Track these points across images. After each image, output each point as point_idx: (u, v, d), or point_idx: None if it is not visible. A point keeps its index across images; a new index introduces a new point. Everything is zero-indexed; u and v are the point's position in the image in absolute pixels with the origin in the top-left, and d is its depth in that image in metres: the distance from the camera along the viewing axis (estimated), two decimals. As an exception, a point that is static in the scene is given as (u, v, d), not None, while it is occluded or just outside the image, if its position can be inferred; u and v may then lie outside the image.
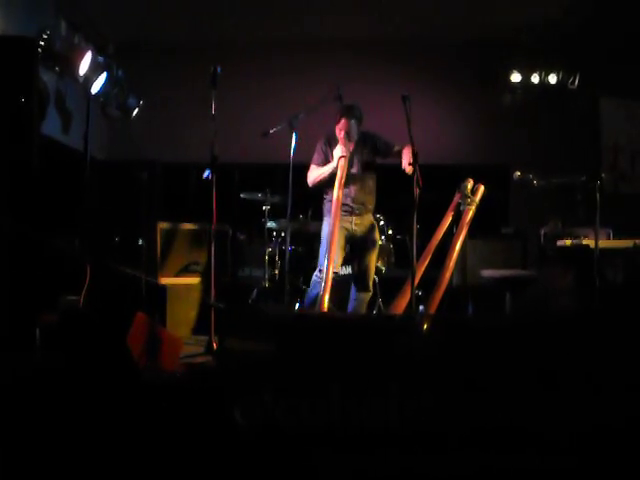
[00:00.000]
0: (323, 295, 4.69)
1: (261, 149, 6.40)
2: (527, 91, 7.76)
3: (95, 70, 5.14)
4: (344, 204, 5.17)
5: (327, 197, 5.24)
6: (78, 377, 3.49)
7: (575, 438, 2.99)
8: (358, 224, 5.19)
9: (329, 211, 5.17)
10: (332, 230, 4.87)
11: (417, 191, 4.52)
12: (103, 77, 5.26)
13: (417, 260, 4.86)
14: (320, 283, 4.90)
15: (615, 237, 5.58)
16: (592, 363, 3.24)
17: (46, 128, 6.11)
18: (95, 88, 5.23)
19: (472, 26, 7.25)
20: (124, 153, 7.55)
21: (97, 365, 3.54)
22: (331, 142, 5.16)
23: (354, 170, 5.17)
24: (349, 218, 5.19)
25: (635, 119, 7.83)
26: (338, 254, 5.11)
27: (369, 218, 5.24)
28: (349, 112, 5.07)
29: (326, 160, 5.15)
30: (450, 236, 5.08)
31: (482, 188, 5.00)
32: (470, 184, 4.99)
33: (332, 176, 5.03)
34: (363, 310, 5.22)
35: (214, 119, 4.68)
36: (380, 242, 5.45)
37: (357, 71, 7.41)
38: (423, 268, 4.86)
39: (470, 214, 4.94)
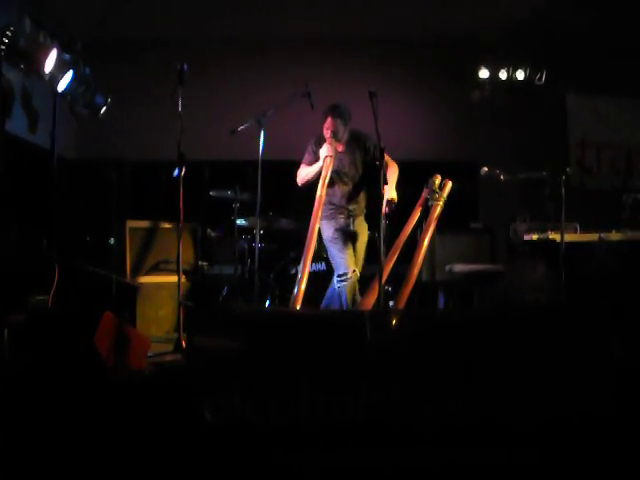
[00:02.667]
0: (298, 293, 4.72)
1: (231, 147, 6.40)
2: (495, 87, 7.83)
3: (61, 68, 5.06)
4: (339, 206, 5.23)
5: (327, 200, 5.22)
6: (46, 377, 3.47)
7: (540, 430, 3.03)
8: (352, 224, 5.24)
9: (329, 216, 5.25)
10: (312, 228, 4.89)
11: (384, 188, 4.57)
12: (69, 75, 5.18)
13: (385, 256, 4.89)
14: (344, 287, 5.02)
15: (582, 231, 5.64)
16: (559, 356, 3.27)
17: (12, 126, 6.05)
18: (61, 86, 5.15)
19: (440, 23, 7.28)
20: (93, 152, 7.50)
21: (64, 365, 3.52)
22: (320, 142, 5.15)
23: (346, 170, 5.18)
24: (347, 221, 5.24)
25: (601, 115, 7.93)
26: (347, 255, 5.12)
27: (362, 218, 5.31)
28: (334, 111, 5.07)
29: (315, 160, 5.15)
30: (418, 232, 5.11)
31: (450, 184, 5.03)
32: (438, 180, 5.02)
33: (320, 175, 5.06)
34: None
35: (181, 117, 4.67)
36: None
37: (326, 69, 7.43)
38: (391, 264, 4.88)
39: (438, 210, 4.97)
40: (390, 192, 4.95)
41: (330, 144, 5.05)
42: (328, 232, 5.28)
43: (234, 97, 7.48)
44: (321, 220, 5.16)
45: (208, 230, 6.61)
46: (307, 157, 5.26)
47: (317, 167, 5.09)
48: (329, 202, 5.24)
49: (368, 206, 5.33)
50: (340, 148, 5.16)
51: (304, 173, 5.22)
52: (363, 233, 5.31)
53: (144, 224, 5.77)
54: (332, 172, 5.07)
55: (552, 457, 2.93)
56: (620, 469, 2.88)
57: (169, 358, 4.28)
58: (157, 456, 2.96)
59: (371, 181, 5.21)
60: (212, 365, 3.31)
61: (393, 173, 5.15)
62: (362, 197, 5.29)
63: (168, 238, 5.61)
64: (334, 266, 5.19)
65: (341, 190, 5.22)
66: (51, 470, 2.90)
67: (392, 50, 7.70)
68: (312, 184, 5.13)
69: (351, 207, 5.24)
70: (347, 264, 5.10)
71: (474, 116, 7.80)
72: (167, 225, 5.69)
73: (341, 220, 5.24)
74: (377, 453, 3.00)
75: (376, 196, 4.50)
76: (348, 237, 5.22)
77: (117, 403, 3.27)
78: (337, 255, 5.19)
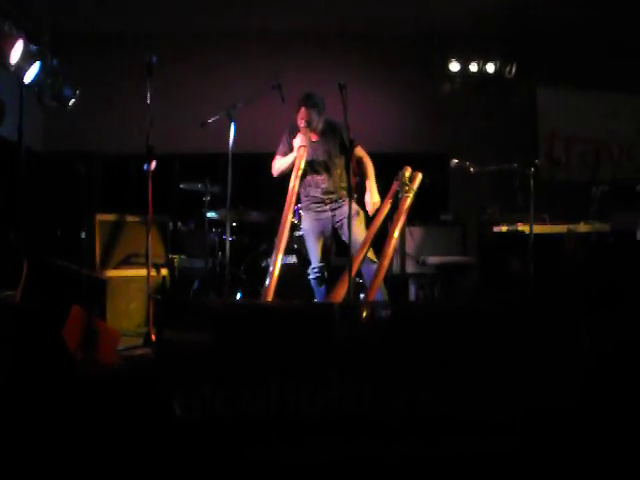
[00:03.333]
0: (269, 285, 4.72)
1: (201, 139, 6.37)
2: (465, 80, 7.86)
3: (27, 59, 5.01)
4: (314, 197, 5.22)
5: (303, 192, 5.25)
6: (13, 372, 3.43)
7: (518, 420, 3.05)
8: (336, 209, 5.17)
9: (306, 207, 5.27)
10: (284, 220, 4.89)
11: (354, 179, 4.59)
12: (36, 66, 5.13)
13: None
14: (316, 278, 5.18)
15: (551, 223, 5.69)
16: (530, 346, 3.30)
17: (-22, 119, 5.98)
18: (28, 77, 5.10)
19: (410, 16, 7.27)
20: (62, 144, 7.41)
21: (32, 360, 3.49)
22: (294, 132, 5.11)
23: (320, 159, 5.14)
24: (324, 208, 5.21)
25: (570, 108, 8.00)
26: (318, 249, 5.19)
27: (347, 203, 4.89)
28: (307, 101, 5.04)
29: (290, 150, 5.12)
30: (389, 224, 5.12)
31: (420, 176, 5.04)
32: (408, 172, 5.03)
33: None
34: (384, 295, 5.06)
35: (149, 109, 4.64)
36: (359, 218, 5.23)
37: (296, 61, 7.39)
38: (362, 256, 4.90)
39: (408, 202, 4.98)
40: (373, 196, 5.06)
41: (304, 134, 5.03)
42: (304, 224, 5.35)
43: (204, 90, 7.43)
44: (302, 212, 5.30)
45: (179, 223, 6.58)
46: (282, 148, 5.23)
47: (291, 158, 5.07)
48: (305, 193, 5.26)
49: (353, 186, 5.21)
50: (314, 138, 5.13)
51: (279, 164, 5.21)
52: (354, 216, 4.97)
53: (114, 217, 5.72)
54: (306, 162, 5.06)
55: (526, 446, 2.95)
56: (593, 458, 2.91)
57: (139, 352, 4.26)
58: (127, 451, 2.94)
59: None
60: (182, 358, 3.29)
61: (371, 172, 5.16)
62: (341, 183, 5.14)
63: (138, 231, 5.56)
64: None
65: (315, 180, 5.20)
66: (20, 465, 2.87)
67: (362, 43, 7.69)
68: (287, 175, 5.10)
69: (327, 197, 5.19)
70: (316, 259, 5.23)
71: (444, 109, 7.82)
72: (137, 218, 5.63)
73: (318, 210, 5.22)
74: (348, 445, 3.00)
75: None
76: (321, 231, 5.22)
77: (86, 397, 3.25)
78: (309, 248, 5.31)
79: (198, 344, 3.30)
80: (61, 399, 3.21)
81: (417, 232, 6.45)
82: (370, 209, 5.08)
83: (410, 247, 6.23)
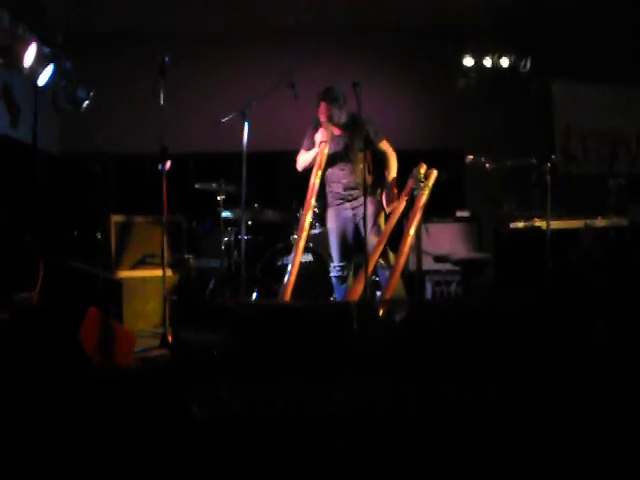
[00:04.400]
0: (287, 284, 4.72)
1: (215, 139, 6.37)
2: (480, 75, 7.81)
3: (41, 62, 5.03)
4: (336, 193, 5.21)
5: (328, 189, 5.25)
6: (30, 375, 3.45)
7: (531, 418, 3.03)
8: (356, 207, 5.11)
9: (329, 203, 5.27)
10: (304, 217, 4.93)
11: (369, 177, 4.58)
12: (50, 69, 5.15)
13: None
14: (337, 277, 5.21)
15: (568, 218, 5.64)
16: (547, 343, 3.28)
17: (-7, 122, 6.02)
18: (42, 80, 5.12)
19: (425, 11, 7.25)
20: (77, 146, 7.44)
21: (50, 362, 3.50)
22: (318, 127, 5.09)
23: (342, 154, 5.11)
24: (346, 205, 5.18)
25: (585, 102, 7.92)
26: (340, 248, 5.20)
27: (370, 198, 4.86)
28: (326, 95, 5.01)
29: (314, 145, 5.10)
30: (404, 221, 5.10)
31: (435, 173, 5.01)
32: (423, 169, 5.00)
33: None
34: (401, 293, 5.05)
35: (162, 109, 4.64)
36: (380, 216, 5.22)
37: (310, 58, 7.36)
38: (378, 254, 4.88)
39: (423, 199, 4.96)
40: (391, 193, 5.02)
41: (325, 129, 5.01)
42: (328, 221, 5.34)
43: (218, 89, 7.42)
44: (327, 207, 5.31)
45: (194, 223, 6.58)
46: (306, 142, 5.22)
47: (314, 152, 5.06)
48: (329, 189, 5.26)
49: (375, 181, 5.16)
50: (337, 132, 5.11)
51: (302, 159, 5.21)
52: (375, 214, 5.07)
53: (129, 218, 5.73)
54: (328, 156, 5.04)
55: (542, 445, 2.93)
56: (606, 458, 2.89)
57: (156, 353, 4.27)
58: (145, 451, 2.94)
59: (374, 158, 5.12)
60: (198, 359, 3.30)
61: (393, 167, 5.11)
62: (361, 180, 4.90)
63: (153, 232, 5.56)
64: None
65: (337, 175, 5.17)
66: (38, 466, 2.88)
67: (376, 38, 7.65)
68: (309, 171, 5.09)
69: (349, 192, 5.16)
70: (338, 257, 5.24)
71: (459, 104, 7.76)
72: (152, 219, 5.64)
73: (339, 207, 5.21)
74: (365, 444, 2.99)
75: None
76: (343, 229, 5.21)
77: (103, 399, 3.25)
78: (331, 246, 5.31)
79: (215, 344, 3.30)
80: (78, 400, 3.22)
81: (433, 229, 6.42)
82: (386, 206, 5.06)
83: (427, 244, 6.20)
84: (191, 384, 3.12)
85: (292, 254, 4.85)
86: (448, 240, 6.53)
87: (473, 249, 6.49)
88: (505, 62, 7.76)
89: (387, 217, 5.07)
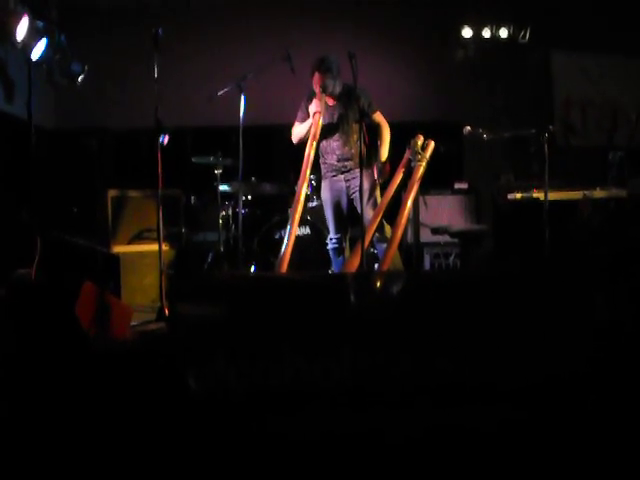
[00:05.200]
0: (283, 256, 4.71)
1: (212, 112, 6.31)
2: (478, 46, 7.74)
3: (34, 36, 4.98)
4: (330, 164, 5.18)
5: (322, 160, 5.23)
6: (28, 349, 3.46)
7: (525, 391, 3.03)
8: (350, 180, 5.10)
9: (324, 175, 5.25)
10: (300, 189, 4.89)
11: (364, 148, 4.55)
12: (43, 43, 5.09)
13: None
14: (334, 249, 5.21)
15: (566, 189, 5.61)
16: (541, 315, 3.27)
17: (-13, 97, 5.97)
18: (35, 54, 5.07)
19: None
20: (74, 121, 7.40)
21: (47, 336, 3.51)
22: (312, 98, 5.06)
23: (337, 124, 5.07)
24: (339, 177, 5.16)
25: (585, 72, 7.86)
26: (335, 220, 5.19)
27: (364, 171, 4.81)
28: (320, 65, 4.96)
29: (308, 116, 5.08)
30: (402, 193, 5.09)
31: (432, 144, 4.99)
32: (420, 141, 4.98)
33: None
34: (398, 265, 5.03)
35: (157, 82, 4.61)
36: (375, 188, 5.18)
37: (306, 31, 7.29)
38: (375, 226, 4.87)
39: (421, 170, 4.94)
40: (381, 157, 5.02)
41: (319, 100, 4.97)
42: (322, 193, 5.33)
43: (214, 63, 7.34)
44: (322, 179, 5.29)
45: (192, 197, 6.57)
46: (300, 114, 5.20)
47: (308, 124, 5.04)
48: (323, 161, 5.24)
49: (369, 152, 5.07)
50: (331, 102, 5.08)
51: (297, 131, 5.19)
52: (370, 187, 5.03)
53: (125, 193, 5.72)
54: (322, 126, 5.00)
55: (540, 414, 2.93)
56: (605, 425, 2.89)
57: (152, 327, 4.27)
58: (142, 425, 2.95)
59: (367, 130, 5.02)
60: (195, 332, 3.30)
61: (386, 138, 5.08)
62: (355, 151, 4.96)
63: (150, 206, 5.53)
64: None
65: (331, 146, 5.14)
66: (35, 441, 2.89)
67: (372, 10, 7.56)
68: (305, 142, 5.05)
69: (343, 164, 5.14)
70: (333, 229, 5.24)
71: (457, 76, 7.69)
72: (148, 193, 5.62)
73: (333, 179, 5.19)
74: (361, 416, 2.99)
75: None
76: (337, 201, 5.19)
77: (100, 372, 3.26)
78: (327, 218, 5.31)
79: (211, 318, 3.30)
80: (75, 374, 3.23)
81: (431, 201, 6.40)
82: (377, 179, 5.03)
83: (424, 216, 6.18)
84: (187, 357, 3.11)
85: (288, 227, 4.83)
86: (446, 212, 6.52)
87: (471, 221, 6.49)
88: (504, 33, 7.68)
89: (384, 188, 5.05)
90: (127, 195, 5.70)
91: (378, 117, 5.08)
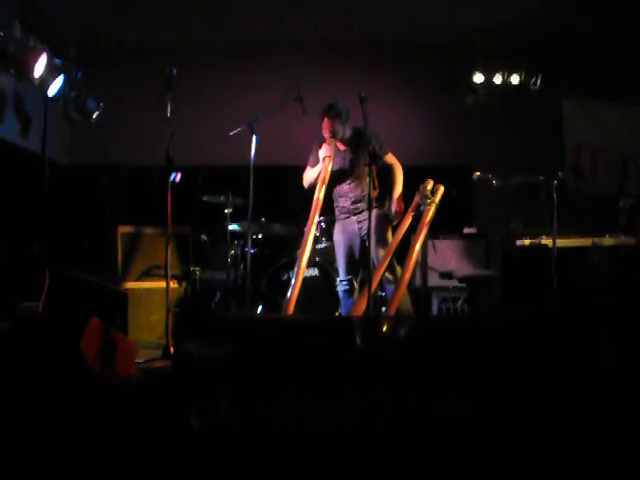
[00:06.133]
0: (291, 298, 4.70)
1: (223, 152, 6.38)
2: (490, 92, 7.81)
3: (51, 73, 5.07)
4: (343, 207, 5.23)
5: (335, 204, 5.29)
6: (31, 383, 3.45)
7: (530, 436, 3.00)
8: (362, 222, 5.12)
9: (337, 218, 5.31)
10: (307, 232, 4.91)
11: (375, 193, 4.57)
12: (60, 80, 5.18)
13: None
14: (344, 291, 5.21)
15: (575, 236, 5.60)
16: (548, 362, 3.25)
17: (3, 131, 6.05)
18: (52, 91, 5.15)
19: (434, 27, 7.24)
20: (87, 157, 7.48)
21: (51, 371, 3.50)
22: (322, 143, 5.13)
23: (348, 168, 5.13)
24: (352, 219, 5.21)
25: (596, 119, 7.90)
26: (346, 261, 5.20)
27: (376, 212, 4.85)
28: (329, 111, 5.04)
29: (318, 161, 5.12)
30: (411, 237, 5.09)
31: (442, 189, 5.01)
32: (430, 185, 5.00)
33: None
34: (407, 306, 5.03)
35: (170, 122, 4.66)
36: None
37: (318, 73, 7.38)
38: (383, 269, 4.86)
39: (430, 214, 4.95)
40: (396, 204, 5.02)
41: (329, 144, 5.02)
42: (335, 235, 5.37)
43: (226, 102, 7.43)
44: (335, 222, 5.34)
45: (202, 236, 6.59)
46: (311, 159, 5.25)
47: (318, 169, 5.09)
48: (336, 204, 5.29)
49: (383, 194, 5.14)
50: (342, 147, 5.13)
51: (307, 175, 5.24)
52: (376, 222, 4.88)
53: (135, 229, 5.75)
54: (334, 172, 5.06)
55: (545, 463, 2.90)
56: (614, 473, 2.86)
57: (157, 364, 4.27)
58: (143, 463, 2.93)
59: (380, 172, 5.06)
60: (199, 371, 3.28)
61: (399, 180, 5.11)
62: (369, 191, 4.76)
63: (160, 243, 5.54)
64: None
65: (344, 190, 5.20)
66: (38, 475, 2.87)
67: (385, 54, 7.65)
68: (315, 186, 5.09)
69: (355, 206, 5.18)
70: (344, 271, 5.24)
71: (468, 121, 7.76)
72: (158, 230, 5.65)
73: (346, 222, 5.23)
74: (364, 460, 2.96)
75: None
76: (349, 243, 5.21)
77: (103, 409, 3.25)
78: (337, 260, 5.33)
79: (216, 357, 3.29)
80: (79, 410, 3.21)
81: (440, 245, 6.40)
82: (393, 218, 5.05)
83: (433, 260, 6.18)
84: (191, 396, 3.10)
85: (295, 268, 4.84)
86: (455, 256, 6.52)
87: (480, 266, 6.47)
88: (515, 79, 7.76)
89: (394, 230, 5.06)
90: (137, 232, 5.73)
91: (390, 158, 5.13)
